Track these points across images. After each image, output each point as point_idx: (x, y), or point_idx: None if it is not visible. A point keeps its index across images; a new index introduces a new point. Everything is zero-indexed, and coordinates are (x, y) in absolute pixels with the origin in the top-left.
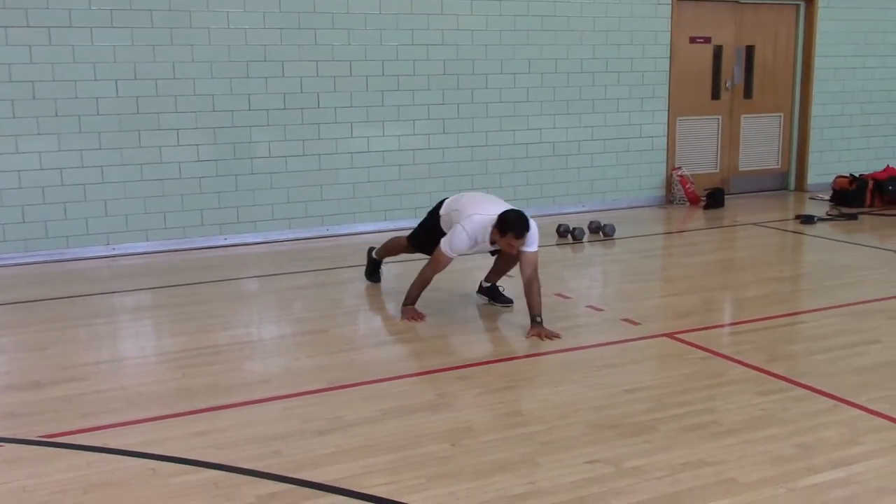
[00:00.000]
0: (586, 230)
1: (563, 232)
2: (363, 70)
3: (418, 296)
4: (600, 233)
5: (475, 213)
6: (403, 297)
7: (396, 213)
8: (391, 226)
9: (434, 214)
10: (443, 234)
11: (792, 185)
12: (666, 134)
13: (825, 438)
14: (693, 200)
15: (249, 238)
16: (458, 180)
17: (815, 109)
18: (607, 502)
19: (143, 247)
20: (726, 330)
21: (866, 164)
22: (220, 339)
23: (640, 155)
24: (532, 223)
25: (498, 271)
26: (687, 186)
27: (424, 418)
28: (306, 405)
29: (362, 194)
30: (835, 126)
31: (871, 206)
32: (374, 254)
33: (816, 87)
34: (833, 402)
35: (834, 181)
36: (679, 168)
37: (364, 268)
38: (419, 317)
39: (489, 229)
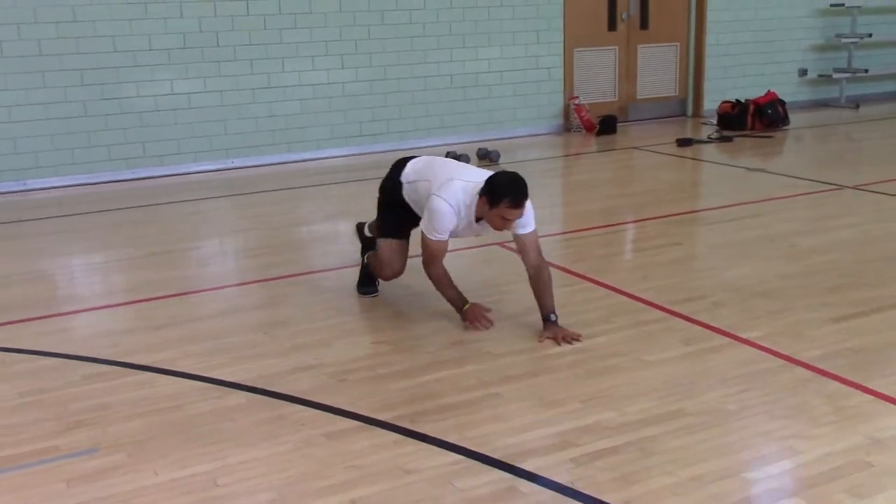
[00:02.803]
0: (474, 156)
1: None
2: (260, 9)
3: (457, 293)
4: (487, 159)
5: (453, 179)
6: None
7: (299, 145)
8: (294, 157)
9: (390, 189)
10: (408, 211)
11: (689, 112)
12: (562, 65)
13: (589, 319)
14: (588, 128)
15: (157, 171)
16: (359, 113)
17: (709, 38)
18: (374, 372)
19: (55, 181)
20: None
21: (761, 90)
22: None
23: (537, 86)
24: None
25: None
26: (582, 114)
27: (251, 315)
28: (152, 308)
29: (265, 128)
30: (728, 54)
31: (752, 128)
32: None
33: (710, 16)
34: (607, 291)
35: (718, 106)
36: (576, 97)
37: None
38: (484, 317)
39: (474, 200)
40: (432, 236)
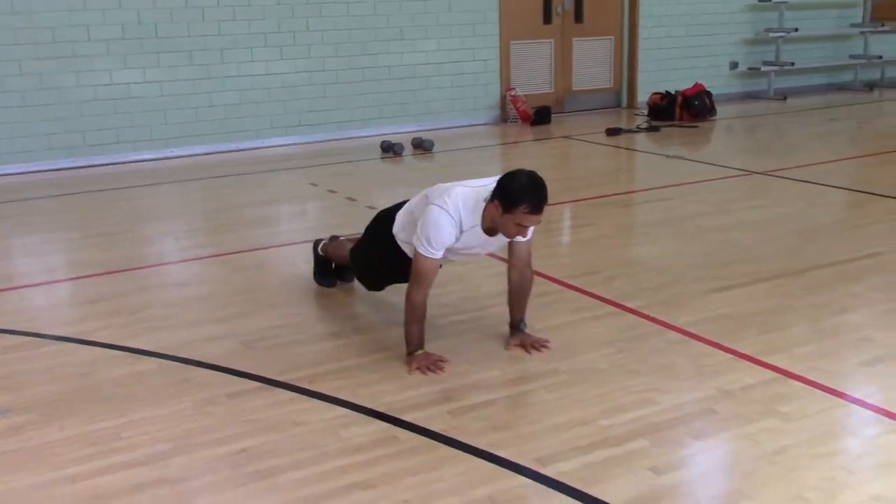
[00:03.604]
0: (408, 145)
1: (385, 147)
2: (199, 1)
3: (421, 334)
4: (421, 148)
5: (453, 185)
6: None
7: (237, 134)
8: (233, 146)
9: (381, 233)
10: (402, 261)
11: (624, 103)
12: (498, 57)
13: (490, 292)
14: (524, 118)
15: (97, 160)
16: (297, 104)
17: (643, 32)
18: (282, 340)
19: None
20: None
21: (693, 82)
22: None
23: (474, 77)
24: None
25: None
26: (518, 105)
27: (174, 291)
28: (80, 286)
29: (205, 118)
30: (661, 48)
31: (680, 119)
32: (319, 249)
33: (643, 11)
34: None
35: (649, 98)
36: (513, 89)
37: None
38: (438, 365)
39: (479, 208)
40: (424, 251)
